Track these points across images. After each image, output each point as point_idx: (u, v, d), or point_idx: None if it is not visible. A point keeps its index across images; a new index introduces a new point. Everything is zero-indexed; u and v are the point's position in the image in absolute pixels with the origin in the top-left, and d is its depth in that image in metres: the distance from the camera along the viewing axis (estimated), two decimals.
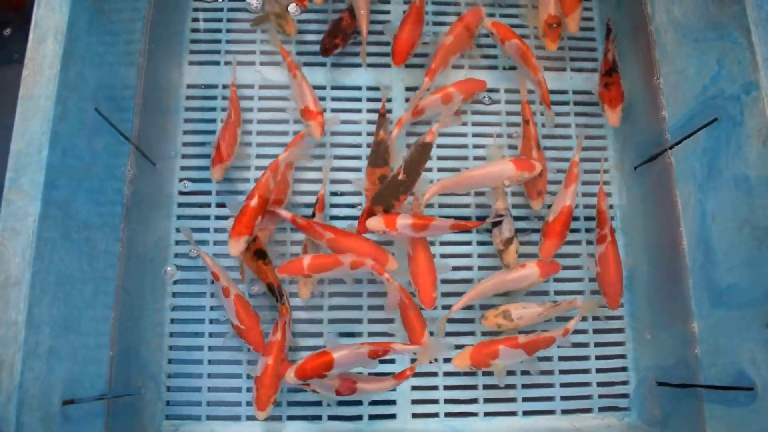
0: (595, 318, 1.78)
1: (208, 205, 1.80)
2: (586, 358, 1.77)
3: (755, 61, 1.34)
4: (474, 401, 1.73)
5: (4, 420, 1.09)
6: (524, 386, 1.74)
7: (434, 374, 1.74)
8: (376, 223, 1.59)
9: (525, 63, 1.81)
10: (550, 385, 1.75)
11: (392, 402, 1.72)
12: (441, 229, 1.64)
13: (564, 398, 1.74)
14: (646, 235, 1.77)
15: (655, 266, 1.71)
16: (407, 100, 1.90)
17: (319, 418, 1.68)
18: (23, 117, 1.21)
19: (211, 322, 1.73)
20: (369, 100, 1.90)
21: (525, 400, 1.74)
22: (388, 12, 1.98)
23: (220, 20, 1.93)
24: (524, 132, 1.80)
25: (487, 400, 1.73)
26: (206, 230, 1.78)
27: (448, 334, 1.72)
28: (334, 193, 1.83)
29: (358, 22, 1.84)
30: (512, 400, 1.74)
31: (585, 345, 1.77)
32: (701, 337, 1.52)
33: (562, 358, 1.76)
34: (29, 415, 1.12)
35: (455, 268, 1.78)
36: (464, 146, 1.88)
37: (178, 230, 1.77)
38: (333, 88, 1.90)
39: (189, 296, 1.74)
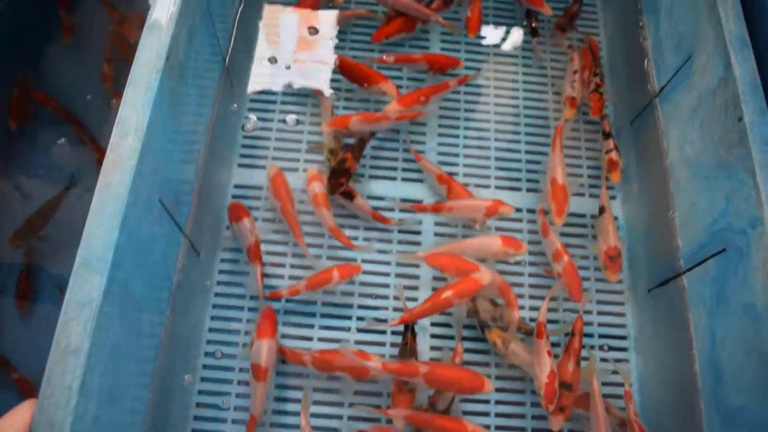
0: None
1: (243, 297, 1.91)
2: None
3: (760, 200, 1.48)
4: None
5: None
6: None
7: None
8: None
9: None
10: None
11: None
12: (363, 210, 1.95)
13: None
14: (659, 356, 1.84)
15: (668, 387, 1.77)
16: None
17: None
18: (100, 201, 1.34)
19: (233, 422, 1.78)
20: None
21: None
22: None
23: (269, 129, 2.13)
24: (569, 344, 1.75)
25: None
26: (239, 320, 1.88)
27: None
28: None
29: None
30: None
31: None
32: None
33: None
34: None
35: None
36: None
37: (212, 318, 1.88)
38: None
39: (214, 394, 1.81)
